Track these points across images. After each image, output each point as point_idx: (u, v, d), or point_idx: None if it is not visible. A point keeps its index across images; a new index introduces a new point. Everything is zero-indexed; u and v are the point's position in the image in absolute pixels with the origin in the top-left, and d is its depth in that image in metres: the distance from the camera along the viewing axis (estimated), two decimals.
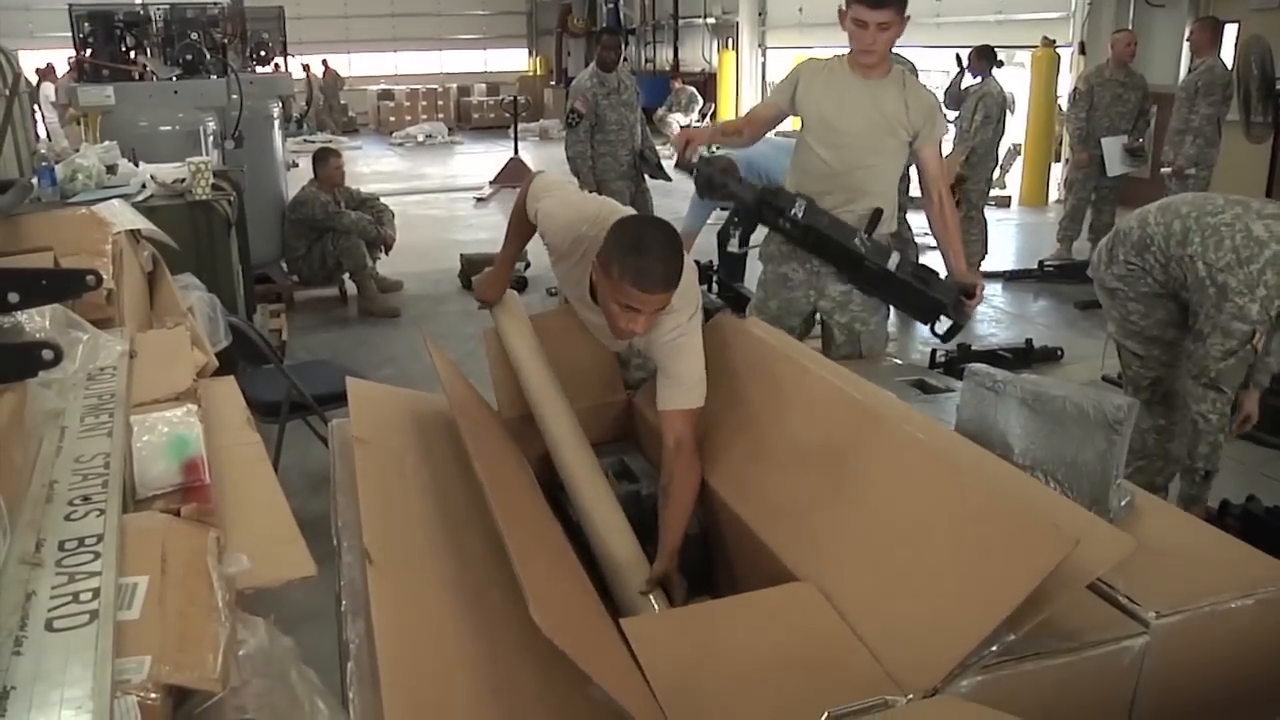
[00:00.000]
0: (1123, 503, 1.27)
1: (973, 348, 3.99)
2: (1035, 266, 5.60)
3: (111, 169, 3.15)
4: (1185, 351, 2.31)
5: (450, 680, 0.96)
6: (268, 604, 1.01)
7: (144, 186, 3.10)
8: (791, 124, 2.47)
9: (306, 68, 13.40)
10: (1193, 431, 2.28)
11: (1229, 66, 5.10)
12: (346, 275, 5.00)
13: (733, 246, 3.82)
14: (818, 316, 2.44)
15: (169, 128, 4.06)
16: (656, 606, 1.37)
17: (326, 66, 14.52)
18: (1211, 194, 2.39)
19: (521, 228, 1.80)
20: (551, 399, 1.66)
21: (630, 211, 1.61)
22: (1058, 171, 7.96)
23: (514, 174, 9.07)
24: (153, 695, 0.68)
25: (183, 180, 3.11)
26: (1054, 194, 8.22)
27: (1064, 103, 6.25)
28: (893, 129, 2.22)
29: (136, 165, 3.26)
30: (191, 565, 0.87)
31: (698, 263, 2.23)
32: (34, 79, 9.55)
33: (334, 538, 1.33)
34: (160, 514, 0.98)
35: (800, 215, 2.21)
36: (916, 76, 2.73)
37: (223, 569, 0.92)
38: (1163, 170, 5.28)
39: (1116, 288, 2.40)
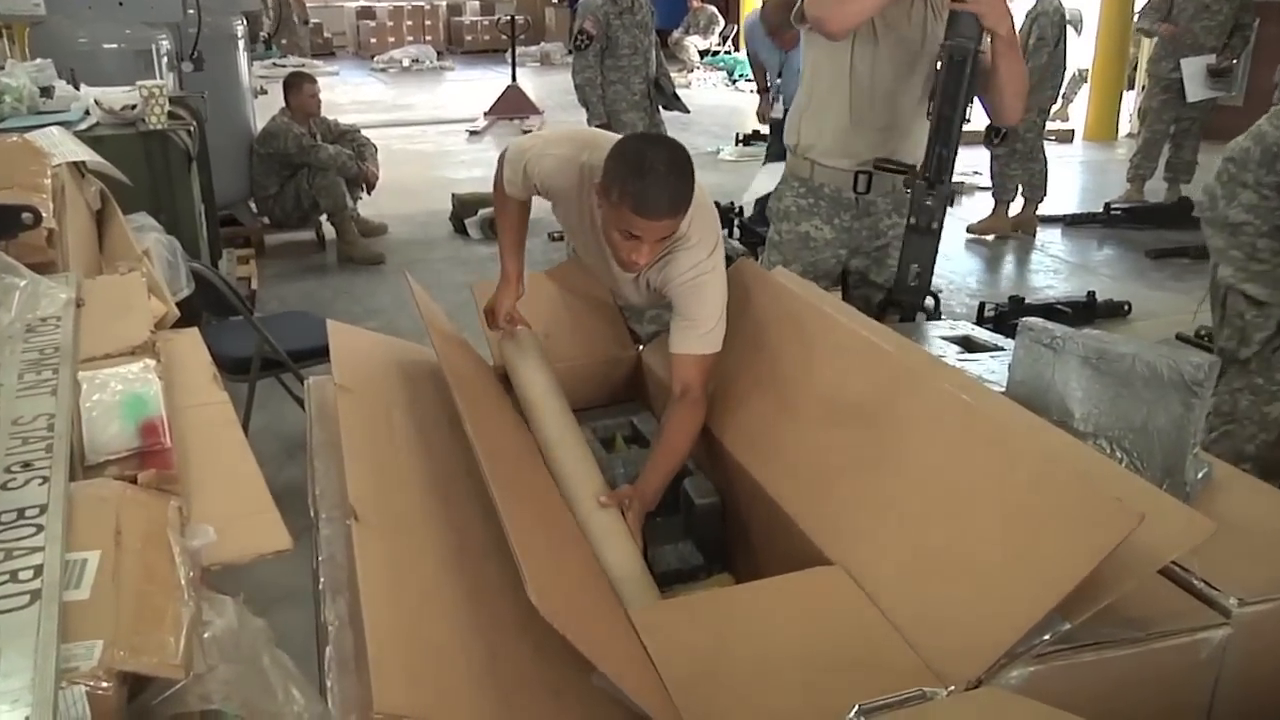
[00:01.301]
0: (1200, 475, 1.25)
1: (1026, 301, 3.95)
2: (1101, 210, 5.52)
3: (46, 91, 3.08)
4: None
5: (445, 656, 0.97)
6: (237, 582, 1.02)
7: (87, 113, 3.04)
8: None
9: None
10: None
11: None
12: (324, 217, 4.99)
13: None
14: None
15: (114, 45, 3.94)
16: (611, 529, 1.35)
17: None
18: None
19: (510, 213, 1.74)
20: (573, 458, 1.51)
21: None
22: (1130, 101, 7.77)
23: (511, 104, 8.96)
24: (104, 684, 0.68)
25: (133, 107, 3.04)
26: (1125, 127, 8.05)
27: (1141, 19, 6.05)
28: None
29: (77, 88, 3.19)
30: (150, 538, 0.87)
31: (717, 204, 2.17)
32: None
33: (311, 508, 1.33)
34: (114, 481, 0.97)
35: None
36: None
37: (186, 542, 0.92)
38: None
39: (1244, 221, 2.29)
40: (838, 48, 2.15)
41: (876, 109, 2.18)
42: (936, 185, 2.09)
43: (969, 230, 5.37)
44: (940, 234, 2.15)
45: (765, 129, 5.80)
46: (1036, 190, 5.34)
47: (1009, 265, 5.02)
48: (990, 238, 5.29)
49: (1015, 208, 5.37)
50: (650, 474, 1.46)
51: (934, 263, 2.18)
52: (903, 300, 2.18)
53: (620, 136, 1.52)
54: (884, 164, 2.18)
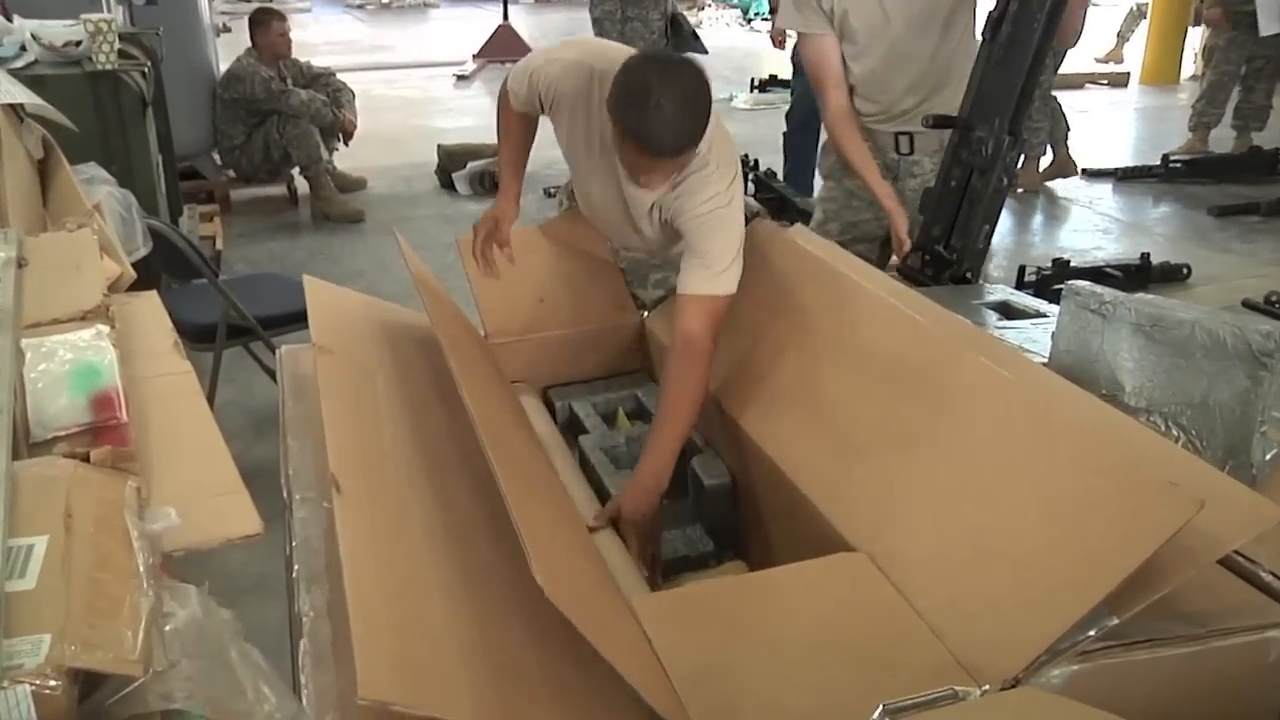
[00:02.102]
0: (1268, 456, 1.24)
1: (1072, 263, 3.93)
2: (1158, 163, 5.44)
3: None
4: None
5: (434, 639, 0.97)
6: (202, 569, 1.02)
7: (24, 49, 3.00)
8: None
9: None
10: None
11: None
12: (296, 170, 4.96)
13: None
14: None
15: None
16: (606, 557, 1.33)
17: None
18: None
19: (514, 129, 1.75)
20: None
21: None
22: (1195, 38, 7.63)
23: (503, 46, 8.87)
24: (52, 683, 0.68)
25: (78, 44, 2.99)
26: (1189, 69, 7.93)
27: None
28: None
29: (10, 20, 3.14)
30: (104, 522, 0.87)
31: None
32: None
33: (284, 489, 1.34)
34: (63, 459, 0.98)
35: None
36: None
37: (144, 526, 0.92)
38: None
39: None
40: None
41: (915, 54, 2.17)
42: (1016, 135, 2.04)
43: None
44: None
45: (787, 72, 5.72)
46: (1058, 127, 5.29)
47: (1053, 224, 4.97)
48: (1020, 191, 5.27)
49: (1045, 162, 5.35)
50: (652, 455, 1.41)
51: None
52: (972, 266, 2.16)
53: (632, 52, 1.48)
54: (941, 120, 2.15)
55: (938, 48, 2.18)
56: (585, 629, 0.87)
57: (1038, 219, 5.05)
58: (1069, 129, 5.33)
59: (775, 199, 4.59)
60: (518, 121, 1.73)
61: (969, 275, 2.16)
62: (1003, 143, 2.02)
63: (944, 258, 2.16)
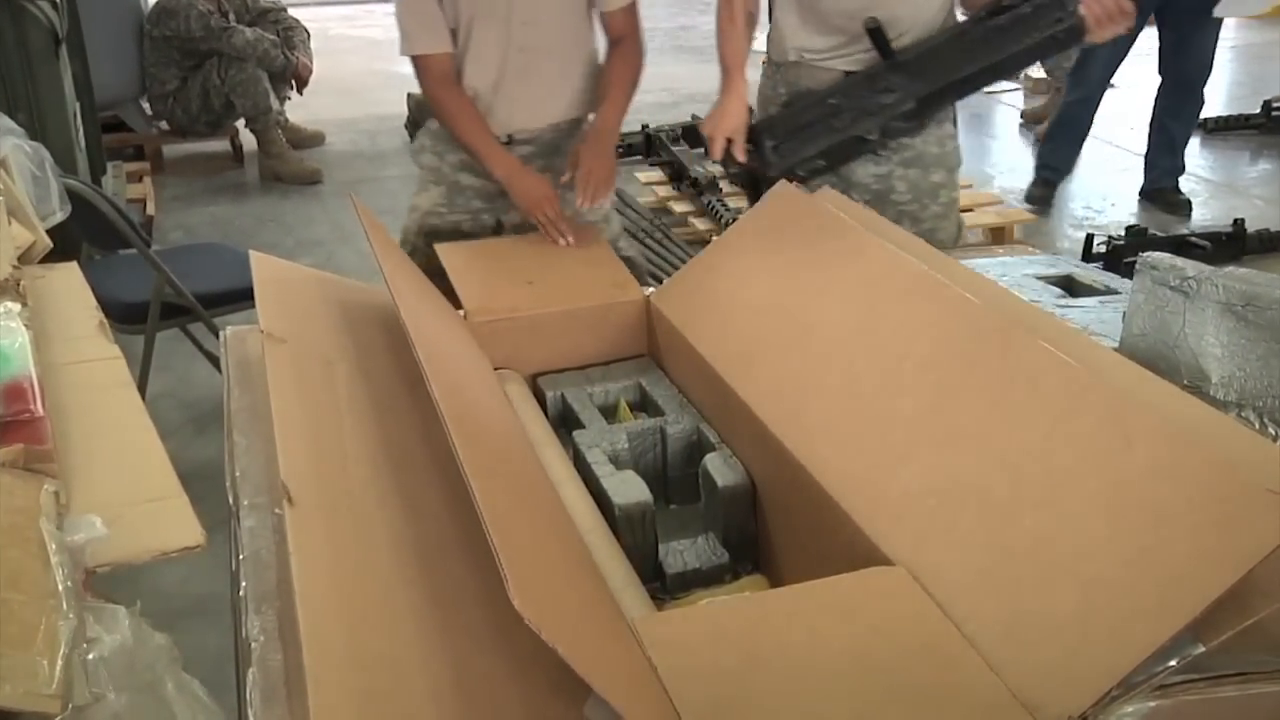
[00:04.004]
0: None
1: (1149, 230, 3.92)
2: (1258, 111, 5.42)
3: None
4: None
5: (400, 672, 0.98)
6: (133, 588, 1.02)
7: None
8: None
9: None
10: None
11: None
12: (241, 122, 4.95)
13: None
14: None
15: None
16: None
17: None
18: None
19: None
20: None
21: None
22: None
23: None
24: None
25: None
26: None
27: None
28: None
29: None
30: (16, 532, 0.87)
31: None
32: None
33: (229, 494, 1.34)
34: None
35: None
36: None
37: (64, 537, 0.92)
38: None
39: None
40: None
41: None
42: (921, 119, 2.10)
43: (1023, 117, 5.64)
44: None
45: None
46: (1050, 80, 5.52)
47: (1126, 184, 4.95)
48: (1043, 126, 5.35)
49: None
50: (609, 110, 2.15)
51: None
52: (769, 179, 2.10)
53: None
54: (880, 38, 2.08)
55: None
56: (575, 660, 0.87)
57: (1105, 177, 5.03)
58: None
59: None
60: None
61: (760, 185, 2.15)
62: (906, 110, 2.05)
63: (765, 158, 2.14)
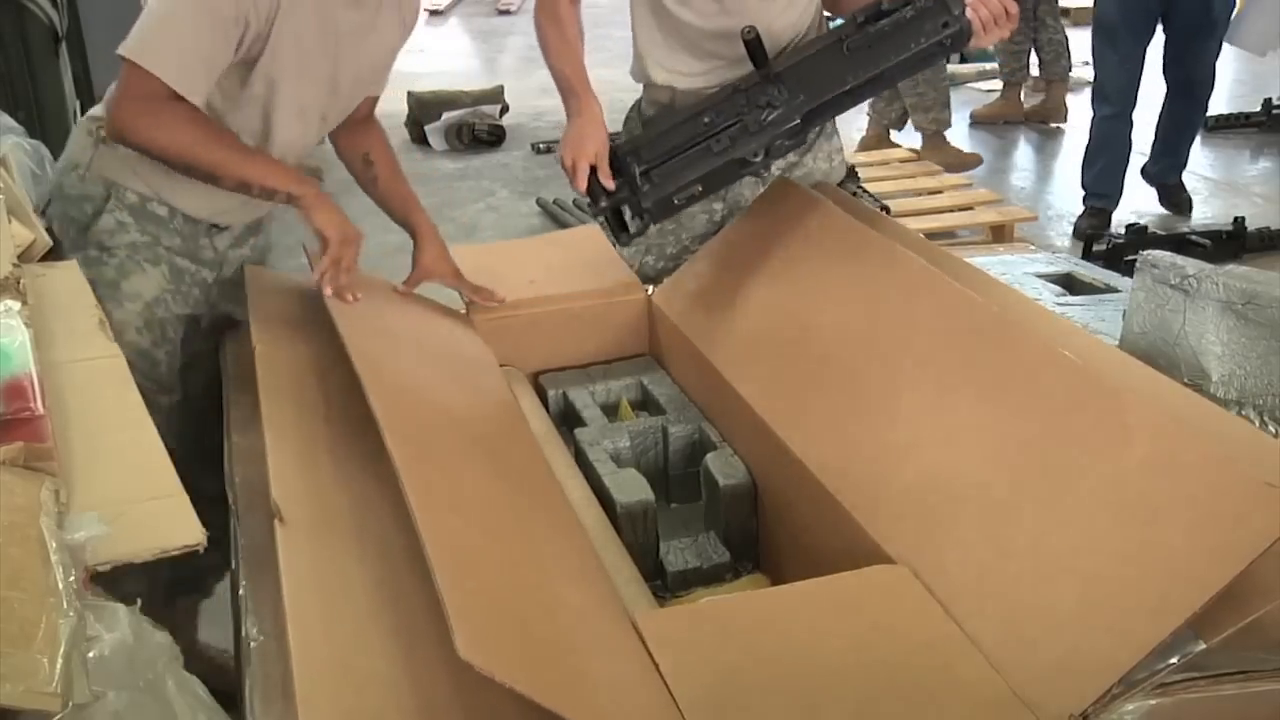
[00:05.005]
0: None
1: (1149, 228, 3.91)
2: (1258, 110, 5.40)
3: None
4: None
5: (390, 691, 0.97)
6: (134, 586, 1.02)
7: None
8: None
9: None
10: None
11: None
12: None
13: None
14: None
15: None
16: None
17: None
18: None
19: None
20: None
21: None
22: None
23: None
24: None
25: None
26: None
27: None
28: None
29: None
30: (16, 530, 0.87)
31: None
32: None
33: (230, 494, 1.34)
34: None
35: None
36: None
37: (65, 535, 0.92)
38: None
39: None
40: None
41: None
42: (800, 138, 1.84)
43: (973, 116, 5.57)
44: None
45: None
46: (1055, 63, 5.38)
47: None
48: (1002, 123, 5.46)
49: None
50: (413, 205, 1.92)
51: None
52: (651, 215, 1.86)
53: None
54: (758, 48, 1.82)
55: None
56: (537, 693, 0.85)
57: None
58: (1070, 67, 5.48)
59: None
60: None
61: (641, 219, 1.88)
62: (791, 126, 1.80)
63: (634, 185, 1.84)
